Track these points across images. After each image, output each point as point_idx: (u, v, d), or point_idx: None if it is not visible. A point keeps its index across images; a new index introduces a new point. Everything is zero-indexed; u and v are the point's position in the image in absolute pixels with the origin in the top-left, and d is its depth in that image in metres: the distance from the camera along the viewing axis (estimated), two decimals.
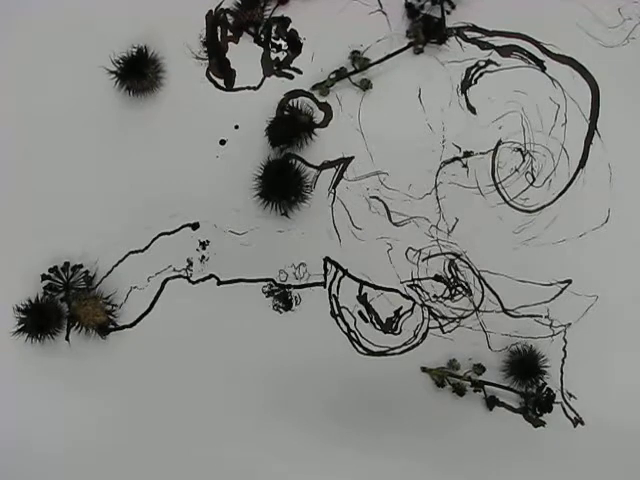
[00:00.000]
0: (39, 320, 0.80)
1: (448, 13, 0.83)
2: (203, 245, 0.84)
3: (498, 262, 0.83)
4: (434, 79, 0.83)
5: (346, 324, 0.84)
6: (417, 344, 0.84)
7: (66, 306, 0.82)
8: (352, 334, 0.84)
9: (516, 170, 0.84)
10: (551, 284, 0.83)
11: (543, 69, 0.84)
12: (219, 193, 0.84)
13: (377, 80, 0.84)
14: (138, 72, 0.81)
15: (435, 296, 0.84)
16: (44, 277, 0.82)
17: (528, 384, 0.81)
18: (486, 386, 0.81)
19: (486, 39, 0.84)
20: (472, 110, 0.84)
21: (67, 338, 0.83)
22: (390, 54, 0.82)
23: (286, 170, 0.81)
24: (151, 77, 0.82)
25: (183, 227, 0.84)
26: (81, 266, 0.83)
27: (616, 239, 0.83)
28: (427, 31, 0.81)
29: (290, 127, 0.81)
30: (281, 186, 0.81)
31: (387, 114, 0.84)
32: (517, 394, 0.82)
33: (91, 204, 0.84)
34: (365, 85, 0.82)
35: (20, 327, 0.81)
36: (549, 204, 0.84)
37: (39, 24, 0.85)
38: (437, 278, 0.84)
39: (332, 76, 0.83)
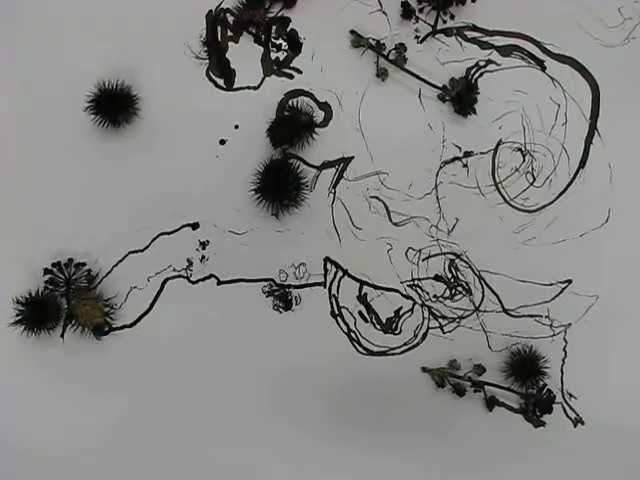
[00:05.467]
0: (37, 314, 0.80)
1: (444, 22, 0.83)
2: (203, 245, 0.84)
3: (498, 262, 0.83)
4: (434, 79, 0.83)
5: (346, 324, 0.84)
6: (417, 344, 0.84)
7: (65, 302, 0.82)
8: (352, 334, 0.84)
9: (516, 170, 0.84)
10: (551, 284, 0.83)
11: (543, 69, 0.84)
12: (219, 193, 0.84)
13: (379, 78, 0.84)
14: (112, 108, 0.82)
15: (435, 296, 0.84)
16: (46, 271, 0.82)
17: (528, 385, 0.81)
18: (486, 386, 0.81)
19: (486, 39, 0.84)
20: (472, 110, 0.84)
21: (62, 335, 0.83)
22: (424, 79, 0.82)
23: (284, 172, 0.81)
24: (126, 112, 0.83)
25: (183, 227, 0.84)
26: (84, 264, 0.83)
27: (616, 239, 0.83)
28: (460, 95, 0.81)
29: (291, 127, 0.81)
30: (276, 187, 0.81)
31: (387, 114, 0.84)
32: (517, 395, 0.82)
33: (91, 204, 0.84)
34: (382, 72, 0.82)
35: (18, 319, 0.81)
36: (549, 204, 0.84)
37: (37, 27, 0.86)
38: (437, 278, 0.84)
39: (372, 41, 0.82)
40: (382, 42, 0.83)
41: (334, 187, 0.84)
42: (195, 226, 0.84)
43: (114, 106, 0.81)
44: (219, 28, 0.85)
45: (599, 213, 0.84)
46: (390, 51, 0.83)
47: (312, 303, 0.84)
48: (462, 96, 0.82)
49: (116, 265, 0.84)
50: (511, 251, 0.84)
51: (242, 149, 0.84)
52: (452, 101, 0.82)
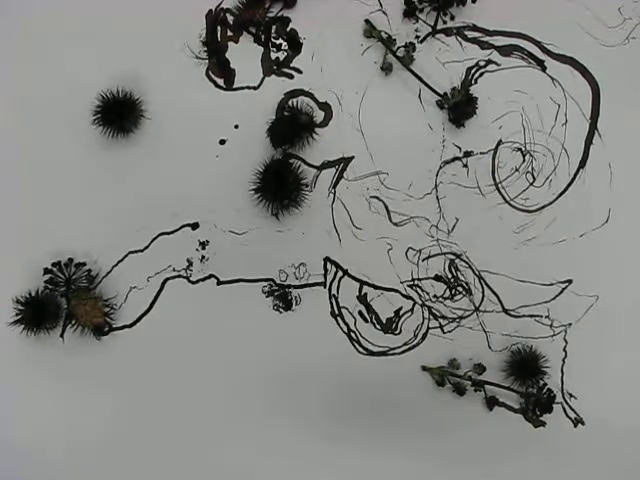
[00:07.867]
0: (37, 314, 0.80)
1: (444, 23, 0.83)
2: (203, 245, 0.84)
3: (498, 262, 0.83)
4: (434, 79, 0.83)
5: (346, 324, 0.84)
6: (417, 344, 0.84)
7: (65, 302, 0.82)
8: (352, 334, 0.84)
9: (516, 170, 0.84)
10: (551, 284, 0.83)
11: (543, 69, 0.84)
12: (219, 193, 0.84)
13: (379, 78, 0.84)
14: (118, 117, 0.82)
15: (435, 296, 0.84)
16: (46, 271, 0.82)
17: (528, 384, 0.81)
18: (486, 386, 0.81)
19: (486, 39, 0.84)
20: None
21: (62, 335, 0.83)
22: (426, 83, 0.82)
23: (284, 172, 0.81)
24: (131, 120, 0.83)
25: (183, 227, 0.84)
26: (84, 264, 0.83)
27: (616, 239, 0.83)
28: (458, 106, 0.81)
29: (291, 127, 0.81)
30: (276, 187, 0.81)
31: (387, 114, 0.84)
32: (517, 394, 0.82)
33: (91, 204, 0.84)
34: (387, 67, 0.82)
35: (17, 319, 0.81)
36: (549, 204, 0.84)
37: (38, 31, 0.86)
38: (437, 278, 0.84)
39: (384, 34, 0.82)
40: (393, 38, 0.83)
41: (334, 187, 0.84)
42: (195, 226, 0.84)
43: (120, 118, 0.81)
44: (219, 28, 0.85)
45: (599, 213, 0.84)
46: (398, 48, 0.83)
47: (312, 303, 0.84)
48: (459, 107, 0.82)
49: (116, 265, 0.84)
50: (511, 251, 0.84)
51: (242, 149, 0.84)
52: (449, 110, 0.82)
